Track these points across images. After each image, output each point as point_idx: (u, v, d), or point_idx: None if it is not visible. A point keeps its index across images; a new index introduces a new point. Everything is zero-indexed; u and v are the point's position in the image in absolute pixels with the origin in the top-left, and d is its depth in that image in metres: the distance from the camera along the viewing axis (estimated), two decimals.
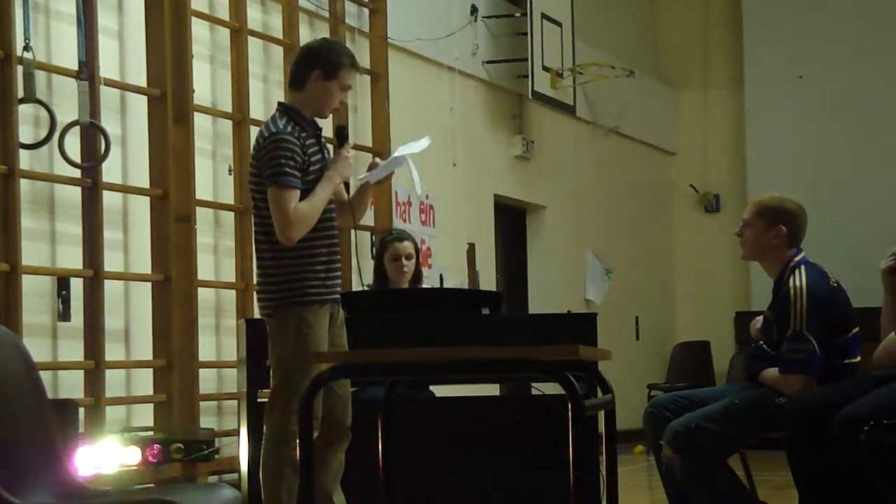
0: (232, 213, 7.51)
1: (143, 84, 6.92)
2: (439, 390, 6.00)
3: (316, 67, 4.56)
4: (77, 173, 6.46)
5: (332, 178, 4.54)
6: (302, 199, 4.45)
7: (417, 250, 6.26)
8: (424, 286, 6.35)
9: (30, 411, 3.38)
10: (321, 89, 4.56)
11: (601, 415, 4.28)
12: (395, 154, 4.79)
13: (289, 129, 4.50)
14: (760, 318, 5.05)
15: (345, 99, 4.65)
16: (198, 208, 7.07)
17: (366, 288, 5.84)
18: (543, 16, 10.64)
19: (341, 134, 4.69)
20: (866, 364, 4.89)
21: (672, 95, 14.04)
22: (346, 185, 4.68)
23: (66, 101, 6.41)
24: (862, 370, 4.91)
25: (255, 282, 5.23)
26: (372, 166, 4.79)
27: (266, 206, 4.49)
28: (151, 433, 6.46)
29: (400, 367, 3.90)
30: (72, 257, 6.46)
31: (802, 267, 4.87)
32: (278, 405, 4.44)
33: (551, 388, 4.82)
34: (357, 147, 7.33)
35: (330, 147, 4.73)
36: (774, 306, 4.91)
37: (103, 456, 6.00)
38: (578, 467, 3.48)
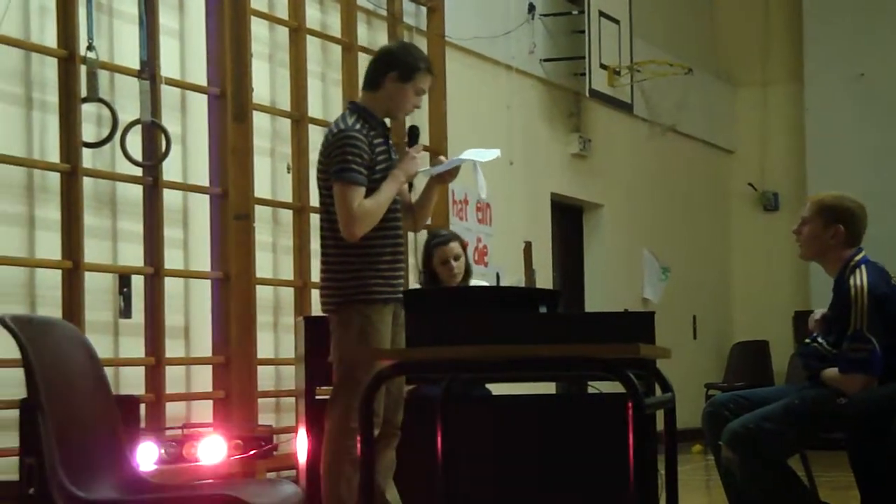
0: (290, 212, 7.55)
1: (204, 83, 6.98)
2: (495, 388, 6.00)
3: (393, 69, 4.59)
4: (138, 172, 6.52)
5: (397, 177, 4.56)
6: (367, 197, 4.47)
7: (464, 247, 6.23)
8: (475, 282, 6.32)
9: (95, 406, 3.42)
10: (396, 91, 4.59)
11: (660, 414, 4.26)
12: (462, 156, 4.79)
13: (357, 126, 4.53)
14: (819, 310, 5.00)
15: (418, 103, 4.67)
16: (256, 206, 7.12)
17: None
18: (601, 13, 10.60)
19: (413, 134, 4.71)
20: None
21: (730, 93, 13.93)
22: (410, 185, 4.69)
23: (128, 100, 6.48)
24: None
25: (316, 278, 5.25)
26: (435, 163, 4.81)
27: (333, 202, 4.50)
28: (210, 429, 6.51)
29: (459, 364, 3.90)
30: (133, 255, 6.53)
31: (863, 266, 4.81)
32: (339, 402, 4.46)
33: (607, 387, 4.81)
34: None
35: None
36: (835, 305, 4.86)
37: (163, 452, 6.05)
38: (638, 466, 3.47)
